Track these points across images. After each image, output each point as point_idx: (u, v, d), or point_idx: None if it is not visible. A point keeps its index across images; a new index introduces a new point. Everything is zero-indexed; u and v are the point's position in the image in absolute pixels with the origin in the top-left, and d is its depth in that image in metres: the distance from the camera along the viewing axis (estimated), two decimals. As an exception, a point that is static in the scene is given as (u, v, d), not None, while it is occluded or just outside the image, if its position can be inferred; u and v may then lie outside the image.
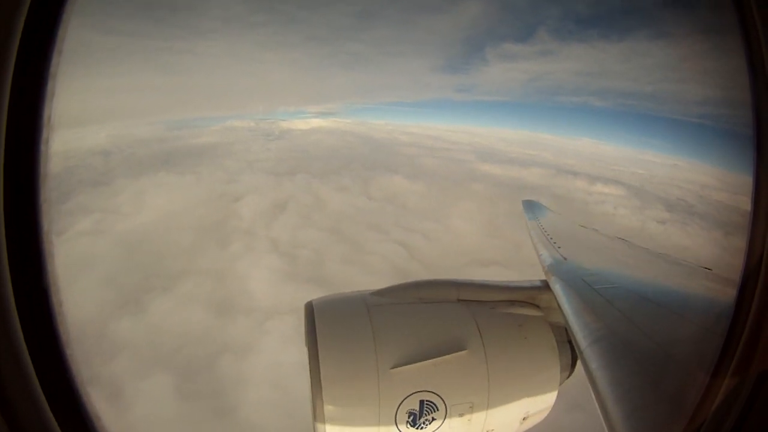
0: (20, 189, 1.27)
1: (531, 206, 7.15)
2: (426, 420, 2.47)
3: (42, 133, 1.30)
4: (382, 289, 2.84)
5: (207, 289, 30.50)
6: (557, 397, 2.90)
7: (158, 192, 50.89)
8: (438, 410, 2.48)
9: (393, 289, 2.83)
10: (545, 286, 3.15)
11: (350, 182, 61.58)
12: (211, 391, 21.47)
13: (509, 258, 34.19)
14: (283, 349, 22.83)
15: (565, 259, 3.82)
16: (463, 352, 2.55)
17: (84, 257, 30.89)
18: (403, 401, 2.42)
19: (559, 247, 4.22)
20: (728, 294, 1.45)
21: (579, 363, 2.40)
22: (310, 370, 2.39)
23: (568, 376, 2.92)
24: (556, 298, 2.91)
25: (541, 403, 2.83)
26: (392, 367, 2.42)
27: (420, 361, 2.45)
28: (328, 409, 2.32)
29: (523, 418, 2.80)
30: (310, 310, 2.63)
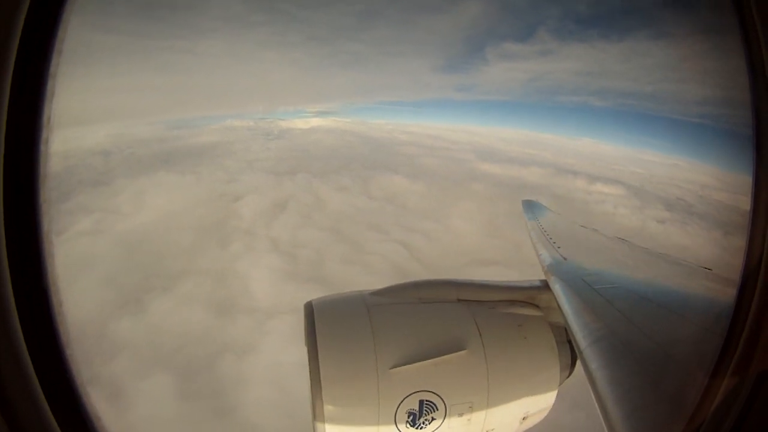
0: (20, 189, 1.27)
1: (531, 206, 7.14)
2: (425, 420, 2.47)
3: (42, 133, 1.30)
4: (382, 289, 2.84)
5: (207, 288, 30.45)
6: (557, 396, 2.91)
7: (158, 192, 50.82)
8: (437, 410, 2.48)
9: (392, 289, 2.83)
10: (545, 286, 3.15)
11: (350, 182, 61.53)
12: (212, 391, 21.44)
13: (509, 258, 34.17)
14: (284, 349, 22.79)
15: (565, 259, 3.82)
16: (462, 352, 2.55)
17: (84, 257, 30.85)
18: (402, 401, 2.42)
19: (558, 247, 4.22)
20: (728, 294, 1.45)
21: (578, 363, 2.40)
22: (310, 370, 2.39)
23: (568, 376, 2.92)
24: (555, 298, 2.91)
25: (540, 403, 2.84)
26: (392, 367, 2.42)
27: (419, 361, 2.46)
28: (328, 408, 2.32)
29: (523, 418, 2.80)
30: (310, 310, 2.63)
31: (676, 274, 3.91)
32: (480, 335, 2.64)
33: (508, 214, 42.78)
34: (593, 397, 1.93)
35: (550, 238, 4.69)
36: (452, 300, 2.86)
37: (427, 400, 2.46)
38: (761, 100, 1.33)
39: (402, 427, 2.44)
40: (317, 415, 2.33)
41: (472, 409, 2.55)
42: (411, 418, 2.44)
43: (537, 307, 3.04)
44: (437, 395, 2.47)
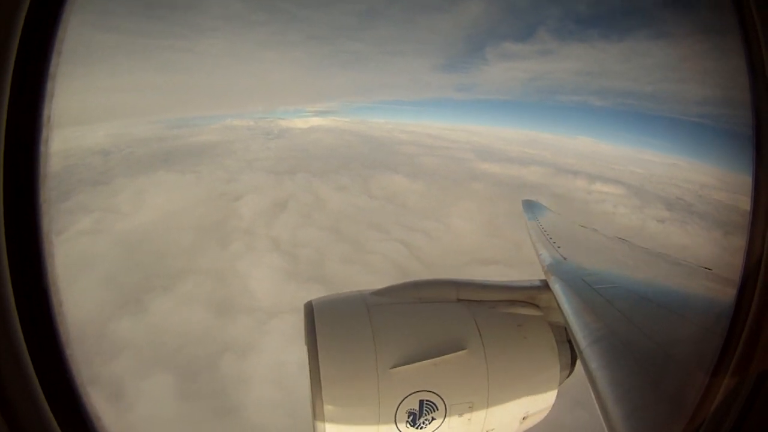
0: (20, 189, 1.27)
1: (531, 206, 7.14)
2: (426, 420, 2.47)
3: (42, 133, 1.30)
4: (382, 288, 2.84)
5: (207, 288, 30.46)
6: (558, 395, 2.91)
7: (158, 191, 50.82)
8: (438, 410, 2.48)
9: (392, 289, 2.83)
10: (545, 286, 3.15)
11: (350, 181, 61.55)
12: (212, 391, 21.46)
13: (509, 257, 34.20)
14: (284, 349, 22.80)
15: (565, 258, 3.82)
16: (462, 352, 2.55)
17: (84, 257, 30.85)
18: (402, 401, 2.42)
19: (558, 247, 4.22)
20: (728, 294, 1.45)
21: (578, 362, 2.40)
22: (310, 370, 2.39)
23: (568, 376, 2.92)
24: (555, 298, 2.91)
25: (540, 403, 2.83)
26: (392, 367, 2.42)
27: (420, 360, 2.46)
28: (328, 408, 2.32)
29: (523, 418, 2.80)
30: (310, 310, 2.63)
31: (676, 274, 3.91)
32: (480, 335, 2.64)
33: (507, 214, 42.85)
34: (593, 396, 1.93)
35: (550, 238, 4.68)
36: (452, 300, 2.86)
37: (427, 400, 2.46)
38: (761, 100, 1.33)
39: (402, 426, 2.44)
40: (317, 414, 2.33)
41: (472, 408, 2.55)
42: (411, 417, 2.44)
43: (537, 306, 3.04)
44: (437, 395, 2.47)
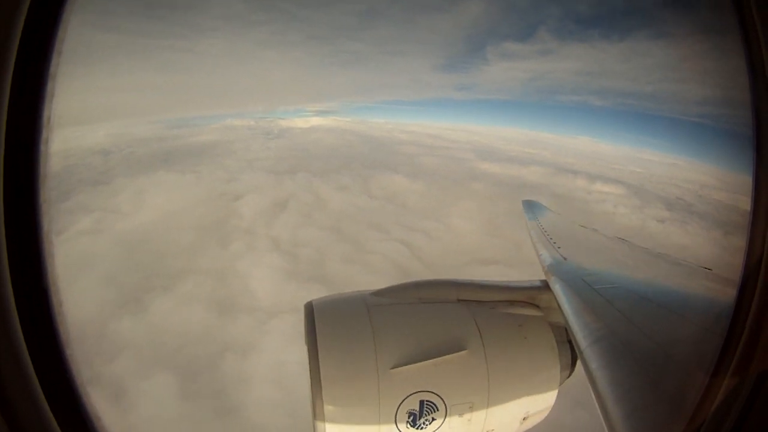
0: (20, 189, 1.27)
1: (531, 206, 7.15)
2: (426, 420, 2.47)
3: (42, 133, 1.30)
4: (382, 289, 2.84)
5: (208, 288, 30.45)
6: (559, 396, 2.90)
7: (158, 191, 50.83)
8: (438, 410, 2.48)
9: (393, 289, 2.83)
10: (545, 286, 3.15)
11: (350, 181, 61.53)
12: (213, 391, 21.46)
13: (510, 257, 34.20)
14: (285, 348, 22.79)
15: (565, 259, 3.82)
16: (463, 352, 2.55)
17: (84, 256, 30.86)
18: (403, 401, 2.42)
19: (559, 247, 4.22)
20: (728, 294, 1.45)
21: (579, 363, 2.40)
22: (310, 370, 2.39)
23: (568, 376, 2.92)
24: (556, 298, 2.91)
25: (541, 403, 2.83)
26: (392, 367, 2.42)
27: (420, 361, 2.46)
28: (328, 408, 2.32)
29: (524, 418, 2.80)
30: (310, 310, 2.63)
31: (676, 274, 3.91)
32: (480, 335, 2.64)
33: (508, 214, 42.87)
34: (593, 397, 1.93)
35: (550, 238, 4.68)
36: (452, 300, 2.86)
37: (427, 401, 2.46)
38: (761, 100, 1.33)
39: (402, 427, 2.44)
40: (317, 414, 2.33)
41: (472, 409, 2.55)
42: (411, 418, 2.44)
43: (537, 307, 3.04)
44: (438, 395, 2.47)
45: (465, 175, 72.55)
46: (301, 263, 35.14)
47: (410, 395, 2.43)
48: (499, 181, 67.25)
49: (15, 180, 1.24)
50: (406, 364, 2.43)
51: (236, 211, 46.47)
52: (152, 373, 21.90)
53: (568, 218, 6.83)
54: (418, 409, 2.45)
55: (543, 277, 3.34)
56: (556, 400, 2.91)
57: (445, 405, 2.49)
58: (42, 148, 1.30)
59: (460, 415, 2.53)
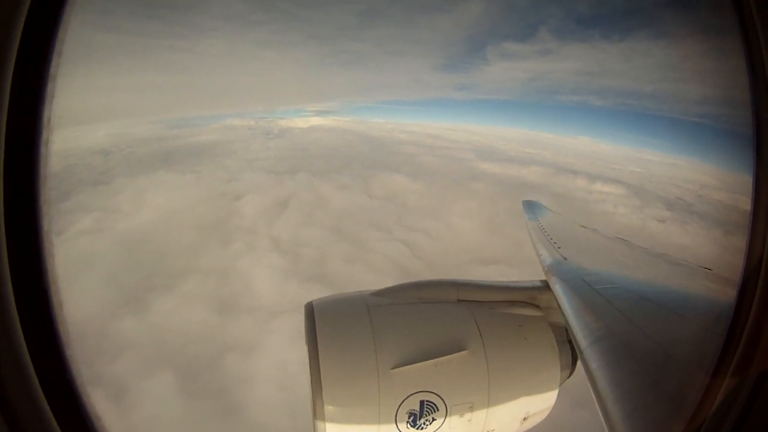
0: (20, 189, 1.27)
1: (531, 206, 7.15)
2: (426, 420, 2.47)
3: (42, 134, 1.30)
4: (382, 289, 2.84)
5: (209, 288, 30.48)
6: (560, 395, 2.90)
7: (158, 191, 50.89)
8: (438, 410, 2.48)
9: (393, 290, 2.83)
10: (545, 286, 3.15)
11: (351, 181, 61.57)
12: (214, 391, 21.46)
13: (510, 256, 34.18)
14: (287, 348, 22.78)
15: (565, 259, 3.82)
16: (463, 353, 2.55)
17: (84, 256, 30.88)
18: (403, 401, 2.42)
19: (559, 248, 4.22)
20: (728, 294, 1.45)
21: (579, 362, 2.40)
22: (311, 370, 2.39)
23: (569, 376, 2.92)
24: (556, 298, 2.91)
25: (541, 403, 2.83)
26: (392, 368, 2.42)
27: (420, 361, 2.46)
28: (329, 409, 2.32)
29: (524, 418, 2.80)
30: (311, 310, 2.63)
31: (676, 274, 3.90)
32: (480, 335, 2.64)
33: (508, 213, 42.90)
34: (593, 396, 1.93)
35: (551, 239, 4.69)
36: (453, 300, 2.86)
37: (427, 401, 2.46)
38: (761, 100, 1.33)
39: (403, 427, 2.44)
40: (318, 414, 2.33)
41: (472, 409, 2.55)
42: (412, 418, 2.44)
43: (537, 307, 3.04)
44: (438, 396, 2.47)
45: (465, 175, 72.64)
46: (302, 263, 35.17)
47: (410, 395, 2.43)
48: (499, 181, 67.33)
49: (15, 180, 1.24)
50: (406, 364, 2.43)
51: (237, 211, 46.53)
52: (153, 373, 21.93)
53: (568, 218, 6.83)
54: (418, 409, 2.45)
55: (543, 277, 3.34)
56: (557, 400, 2.91)
57: (445, 405, 2.49)
58: (42, 148, 1.30)
59: (461, 415, 2.53)
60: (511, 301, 2.99)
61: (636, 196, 63.40)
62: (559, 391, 2.89)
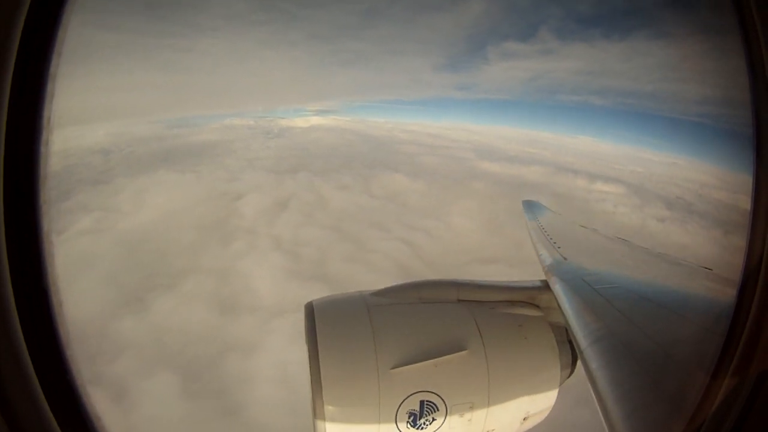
0: (20, 189, 1.27)
1: (531, 206, 7.16)
2: (426, 420, 2.47)
3: (42, 134, 1.30)
4: (382, 289, 2.85)
5: (210, 287, 30.41)
6: (561, 393, 2.91)
7: (158, 190, 50.79)
8: (438, 410, 2.48)
9: (393, 290, 2.83)
10: (545, 286, 3.16)
11: (351, 180, 61.51)
12: (216, 391, 21.44)
13: (511, 256, 34.13)
14: (288, 347, 22.72)
15: (565, 259, 3.82)
16: (463, 353, 2.55)
17: (85, 256, 30.84)
18: (403, 401, 2.42)
19: (559, 248, 4.22)
20: (728, 294, 1.45)
21: (579, 362, 2.40)
22: (311, 370, 2.39)
23: (569, 376, 2.92)
24: (556, 298, 2.91)
25: (541, 403, 2.84)
26: (392, 368, 2.42)
27: (420, 361, 2.46)
28: (329, 409, 2.33)
29: (524, 418, 2.80)
30: (311, 310, 2.63)
31: (676, 274, 3.90)
32: (480, 335, 2.64)
33: (508, 213, 42.86)
34: (594, 396, 1.93)
35: (551, 239, 4.69)
36: (453, 300, 2.86)
37: (427, 401, 2.46)
38: (761, 100, 1.33)
39: (403, 427, 2.44)
40: (318, 414, 2.34)
41: (472, 409, 2.55)
42: (412, 418, 2.44)
43: (537, 307, 3.04)
44: (438, 395, 2.47)
45: (465, 175, 72.52)
46: (303, 262, 35.13)
47: (411, 395, 2.44)
48: (499, 181, 67.19)
49: (15, 180, 1.24)
50: (406, 364, 2.44)
51: (237, 211, 46.44)
52: (154, 373, 21.89)
53: (568, 218, 6.84)
54: (418, 409, 2.45)
55: (543, 277, 3.34)
56: (559, 398, 2.92)
57: (445, 405, 2.49)
58: (42, 148, 1.30)
59: (461, 415, 2.53)
60: (511, 301, 2.99)
61: (636, 195, 63.32)
62: (559, 391, 2.89)
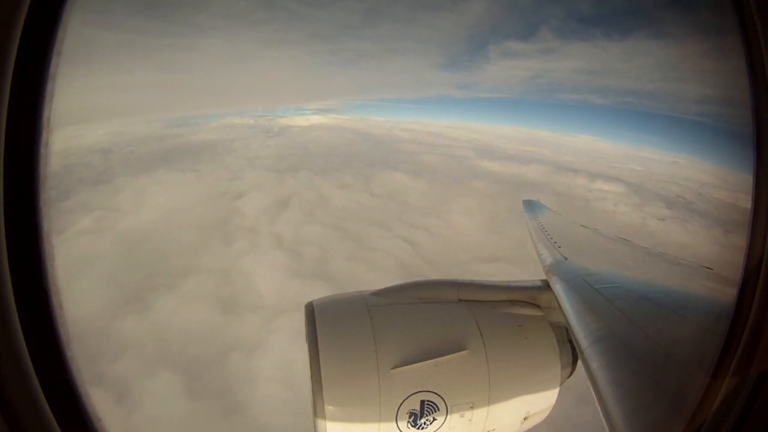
0: (20, 189, 1.27)
1: (531, 206, 7.16)
2: (427, 420, 2.47)
3: (42, 134, 1.30)
4: (383, 289, 2.85)
5: (211, 286, 30.43)
6: (563, 392, 2.91)
7: (159, 190, 50.75)
8: (439, 410, 2.48)
9: (393, 289, 2.84)
10: (546, 286, 3.15)
11: (352, 179, 61.49)
12: (218, 390, 21.45)
13: (511, 254, 34.15)
14: (290, 346, 22.75)
15: (566, 258, 3.82)
16: (463, 352, 2.55)
17: (85, 256, 30.83)
18: (404, 401, 2.42)
19: (559, 247, 4.22)
20: (728, 294, 1.45)
21: (579, 362, 2.40)
22: (311, 370, 2.39)
23: (569, 376, 2.92)
24: (556, 298, 2.91)
25: (542, 403, 2.84)
26: (393, 368, 2.42)
27: (421, 361, 2.46)
28: (329, 408, 2.33)
29: (524, 418, 2.80)
30: (311, 310, 2.63)
31: (676, 273, 3.90)
32: (481, 335, 2.64)
33: (509, 211, 42.87)
34: (594, 396, 1.93)
35: (551, 238, 4.69)
36: (453, 300, 2.86)
37: (428, 401, 2.46)
38: (761, 100, 1.32)
39: (403, 426, 2.44)
40: (318, 413, 2.34)
41: (473, 409, 2.55)
42: (412, 418, 2.45)
43: (538, 307, 3.04)
44: (438, 395, 2.47)
45: (466, 173, 72.48)
46: (304, 261, 35.17)
47: (411, 395, 2.44)
48: (499, 179, 67.08)
49: (15, 180, 1.24)
50: (406, 364, 2.44)
51: (238, 210, 46.45)
52: (155, 373, 21.90)
53: (568, 218, 6.84)
54: (418, 409, 2.45)
55: (544, 277, 3.34)
56: (562, 397, 2.92)
57: (445, 405, 2.49)
58: (42, 148, 1.30)
59: (461, 415, 2.53)
60: (512, 300, 2.99)
61: (636, 194, 63.29)
62: (559, 391, 2.89)
